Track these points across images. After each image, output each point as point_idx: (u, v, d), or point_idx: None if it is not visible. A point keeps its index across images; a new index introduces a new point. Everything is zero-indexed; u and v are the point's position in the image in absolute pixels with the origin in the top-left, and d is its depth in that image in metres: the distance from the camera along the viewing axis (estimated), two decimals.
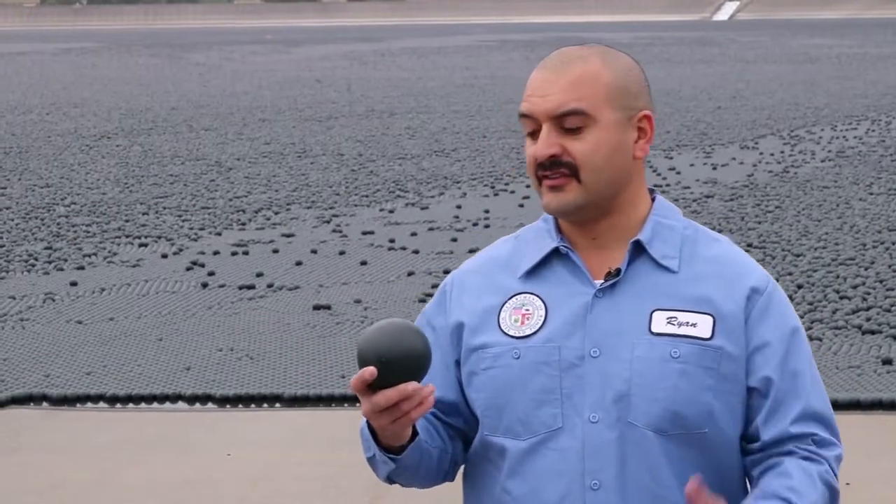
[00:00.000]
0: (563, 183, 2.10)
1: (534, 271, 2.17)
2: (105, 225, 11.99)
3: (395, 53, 44.07)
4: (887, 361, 7.28)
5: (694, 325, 2.09)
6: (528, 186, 13.91)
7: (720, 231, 9.32)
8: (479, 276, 2.23)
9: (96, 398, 7.01)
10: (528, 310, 2.15)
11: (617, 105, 2.12)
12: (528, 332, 2.13)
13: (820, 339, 7.72)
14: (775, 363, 2.10)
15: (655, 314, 2.10)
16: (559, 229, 2.18)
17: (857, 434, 6.03)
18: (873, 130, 18.70)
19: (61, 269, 10.18)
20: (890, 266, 9.54)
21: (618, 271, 2.12)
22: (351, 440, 6.33)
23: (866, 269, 9.49)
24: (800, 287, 8.95)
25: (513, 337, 2.14)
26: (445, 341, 2.22)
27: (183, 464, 6.11)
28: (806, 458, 2.10)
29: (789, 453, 2.11)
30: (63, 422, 6.79)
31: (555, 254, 2.16)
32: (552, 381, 2.10)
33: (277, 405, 6.93)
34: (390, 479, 2.20)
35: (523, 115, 2.13)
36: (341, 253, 10.61)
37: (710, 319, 2.09)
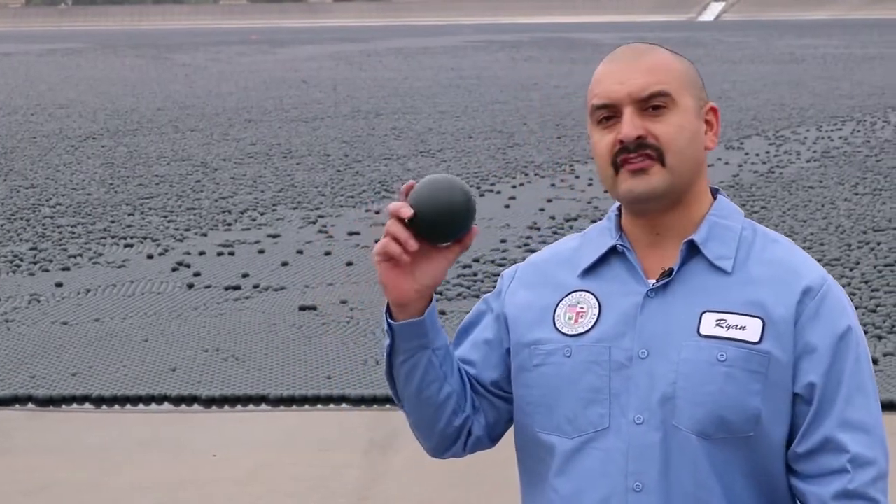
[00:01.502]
0: (648, 165, 2.07)
1: (592, 269, 2.17)
2: (90, 226, 11.97)
3: (380, 54, 44.07)
4: (873, 362, 7.29)
5: (742, 328, 2.05)
6: (514, 187, 13.91)
7: None
8: (539, 271, 2.23)
9: (82, 399, 6.99)
10: (582, 308, 2.14)
11: (691, 93, 2.12)
12: (580, 330, 2.13)
13: None
14: (821, 369, 2.06)
15: (705, 316, 2.07)
16: (620, 227, 2.18)
17: None
18: (858, 131, 18.75)
19: (47, 270, 10.16)
20: (875, 266, 9.57)
21: (670, 271, 2.11)
22: (338, 441, 6.37)
23: (851, 269, 9.51)
24: None
25: (566, 335, 2.14)
26: (496, 325, 2.24)
27: (173, 465, 6.11)
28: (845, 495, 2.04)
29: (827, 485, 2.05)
30: (50, 423, 6.78)
31: (613, 252, 2.16)
32: (601, 380, 2.10)
33: (263, 406, 6.93)
34: (395, 390, 2.23)
35: (600, 106, 2.10)
36: (327, 254, 10.60)
37: (759, 323, 2.05)
